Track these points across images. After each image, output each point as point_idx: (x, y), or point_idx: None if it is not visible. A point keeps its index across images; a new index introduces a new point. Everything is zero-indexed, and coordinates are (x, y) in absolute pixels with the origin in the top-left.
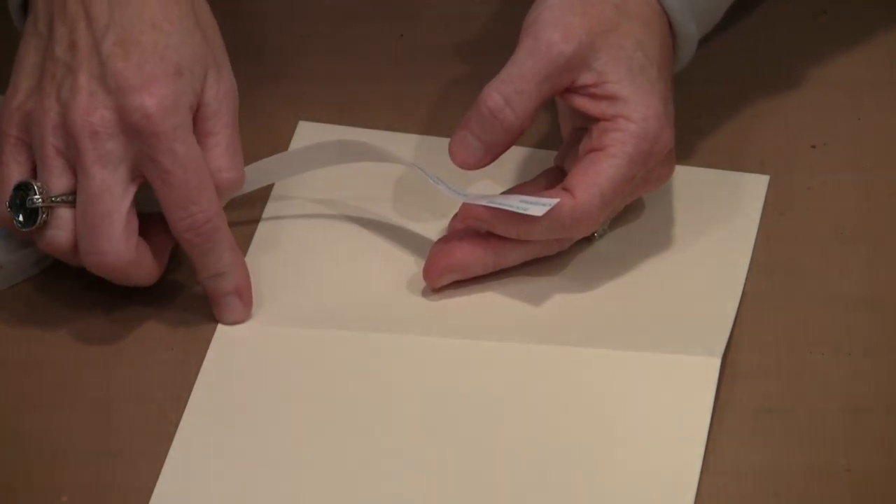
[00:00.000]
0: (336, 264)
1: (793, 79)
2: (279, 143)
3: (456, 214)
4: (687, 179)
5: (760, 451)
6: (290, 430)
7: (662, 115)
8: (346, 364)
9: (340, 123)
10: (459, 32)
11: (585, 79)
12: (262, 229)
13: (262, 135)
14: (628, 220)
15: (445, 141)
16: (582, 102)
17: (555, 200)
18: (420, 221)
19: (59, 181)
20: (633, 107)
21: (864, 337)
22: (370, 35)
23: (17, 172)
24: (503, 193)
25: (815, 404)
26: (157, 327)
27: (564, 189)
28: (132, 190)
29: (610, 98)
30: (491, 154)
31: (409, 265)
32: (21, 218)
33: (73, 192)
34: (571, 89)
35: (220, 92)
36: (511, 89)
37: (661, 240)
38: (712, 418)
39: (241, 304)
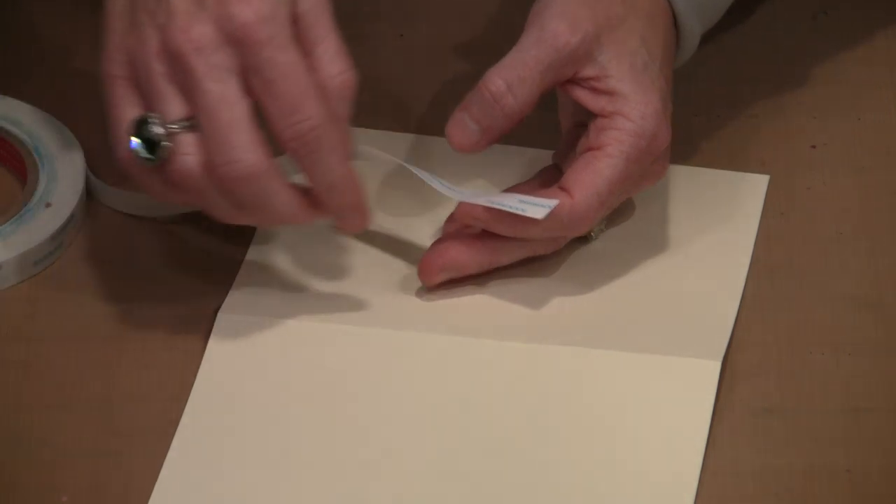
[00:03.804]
0: (336, 261)
1: (793, 79)
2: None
3: (452, 214)
4: (687, 179)
5: (760, 451)
6: (289, 428)
7: (661, 114)
8: (346, 360)
9: None
10: (459, 32)
11: (588, 71)
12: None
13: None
14: (629, 221)
15: (442, 142)
16: (582, 95)
17: (554, 202)
18: (418, 219)
19: (173, 107)
20: (632, 105)
21: (864, 337)
22: (370, 35)
23: (130, 111)
24: (501, 193)
25: (815, 404)
26: (157, 327)
27: (561, 188)
28: (247, 102)
29: (610, 93)
30: (488, 138)
31: (410, 262)
32: (146, 154)
33: (191, 117)
34: (573, 80)
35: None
36: (514, 75)
37: (661, 240)
38: (712, 419)
39: (360, 215)
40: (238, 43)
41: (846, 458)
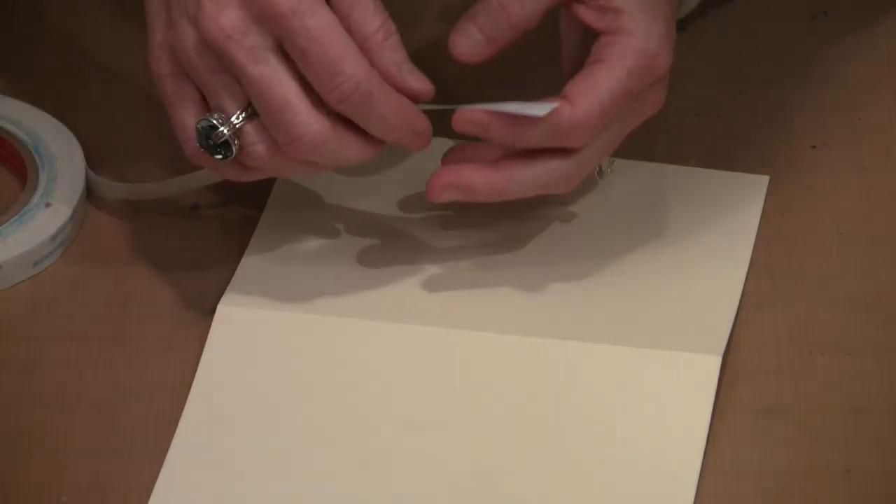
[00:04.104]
0: (337, 254)
1: (793, 79)
2: None
3: (450, 150)
4: (687, 180)
5: (760, 451)
6: (290, 422)
7: (664, 35)
8: (346, 353)
9: None
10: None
11: None
12: (266, 218)
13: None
14: (629, 220)
15: (445, 142)
16: (587, 14)
17: (554, 104)
18: (420, 212)
19: (229, 98)
20: (637, 22)
21: (864, 337)
22: None
23: (191, 109)
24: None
25: (815, 404)
26: (157, 327)
27: (563, 97)
28: (294, 73)
29: (616, 11)
30: (492, 47)
31: (411, 255)
32: (219, 155)
33: (248, 104)
34: None
35: None
36: None
37: (661, 239)
38: (712, 418)
39: (420, 139)
40: (266, 19)
41: (846, 458)
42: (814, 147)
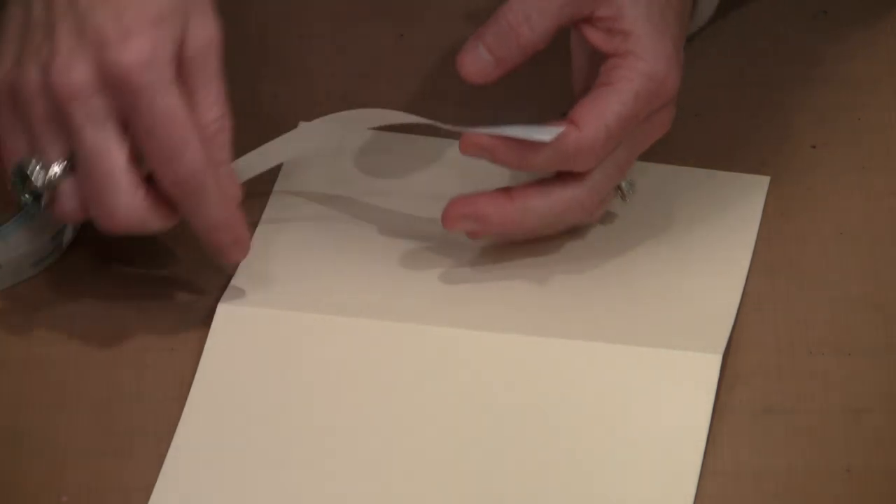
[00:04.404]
0: (337, 253)
1: (793, 79)
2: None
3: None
4: (688, 181)
5: (760, 451)
6: (290, 422)
7: (673, 58)
8: (346, 352)
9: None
10: (459, 32)
11: (604, 11)
12: (266, 217)
13: (263, 135)
14: (630, 221)
15: (446, 142)
16: (596, 36)
17: (561, 128)
18: (422, 213)
19: (54, 148)
20: (645, 45)
21: (864, 337)
22: (370, 35)
23: (15, 149)
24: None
25: (815, 404)
26: (157, 327)
27: (570, 121)
28: (127, 143)
29: (624, 34)
30: (500, 69)
31: (411, 255)
32: (28, 198)
33: (71, 156)
34: (588, 20)
35: (204, 40)
36: (533, 6)
37: (662, 240)
38: (712, 418)
39: (238, 249)
40: (117, 86)
41: (846, 458)
42: (814, 147)
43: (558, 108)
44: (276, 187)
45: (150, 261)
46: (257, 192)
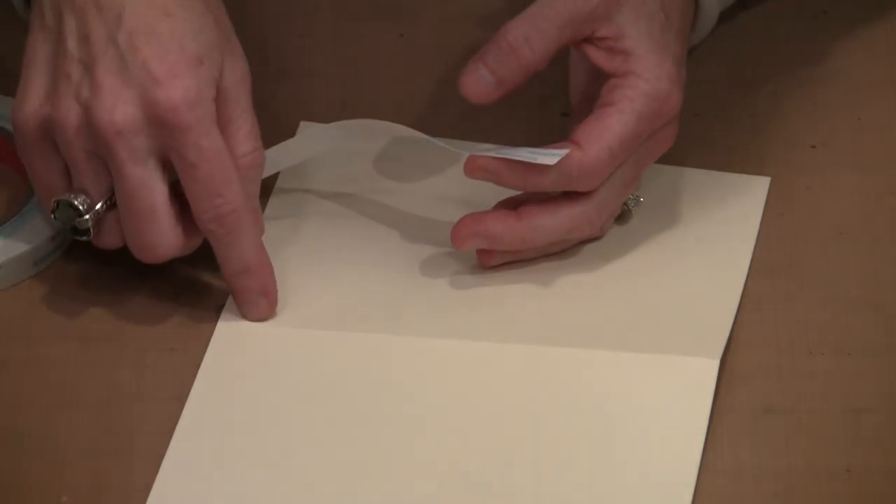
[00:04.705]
0: (337, 265)
1: (793, 79)
2: (280, 143)
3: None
4: (688, 182)
5: (760, 451)
6: (287, 431)
7: (674, 77)
8: (345, 364)
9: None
10: (459, 32)
11: (604, 31)
12: (266, 226)
13: (263, 135)
14: (629, 221)
15: (448, 142)
16: (597, 55)
17: (565, 151)
18: (421, 225)
19: (96, 185)
20: (646, 65)
21: (864, 337)
22: (370, 35)
23: (57, 182)
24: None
25: (815, 404)
26: (157, 327)
27: (573, 142)
28: (166, 178)
29: (625, 53)
30: (501, 89)
31: (411, 267)
32: (70, 230)
33: (111, 192)
34: (589, 40)
35: (237, 76)
36: (533, 28)
37: (661, 241)
38: (712, 419)
39: (267, 302)
40: (163, 126)
41: (846, 458)
42: (814, 147)
43: (557, 108)
44: (273, 195)
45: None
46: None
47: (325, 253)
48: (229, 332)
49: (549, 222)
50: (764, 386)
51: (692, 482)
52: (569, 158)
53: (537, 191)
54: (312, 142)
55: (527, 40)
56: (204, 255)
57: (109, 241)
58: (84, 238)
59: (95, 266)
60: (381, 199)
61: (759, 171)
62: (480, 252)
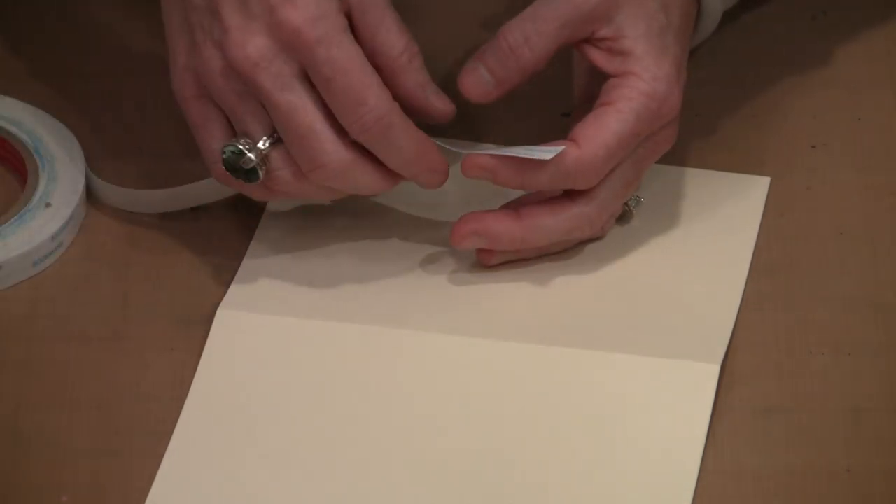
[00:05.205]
0: (337, 259)
1: (793, 79)
2: None
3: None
4: (687, 182)
5: (760, 451)
6: (288, 426)
7: (673, 78)
8: (345, 358)
9: None
10: (460, 32)
11: (604, 32)
12: (265, 222)
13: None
14: (629, 221)
15: (448, 141)
16: (596, 56)
17: (561, 147)
18: (421, 219)
19: (255, 123)
20: (645, 65)
21: (864, 337)
22: None
23: (217, 133)
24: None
25: (815, 404)
26: (157, 327)
27: (570, 140)
28: (320, 99)
29: (624, 54)
30: (500, 89)
31: (411, 261)
32: (245, 178)
33: (273, 129)
34: (589, 41)
35: None
36: (532, 28)
37: (661, 242)
38: (712, 419)
39: (436, 175)
40: (292, 48)
41: (846, 458)
42: (814, 147)
43: (558, 108)
44: None
45: (151, 261)
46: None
47: (325, 249)
48: (226, 328)
49: (550, 222)
50: (764, 386)
51: (692, 486)
52: (565, 155)
53: (535, 188)
54: None
55: (526, 41)
56: (204, 257)
57: (283, 178)
58: (256, 181)
59: (95, 266)
60: (381, 198)
61: (759, 171)
62: (480, 251)
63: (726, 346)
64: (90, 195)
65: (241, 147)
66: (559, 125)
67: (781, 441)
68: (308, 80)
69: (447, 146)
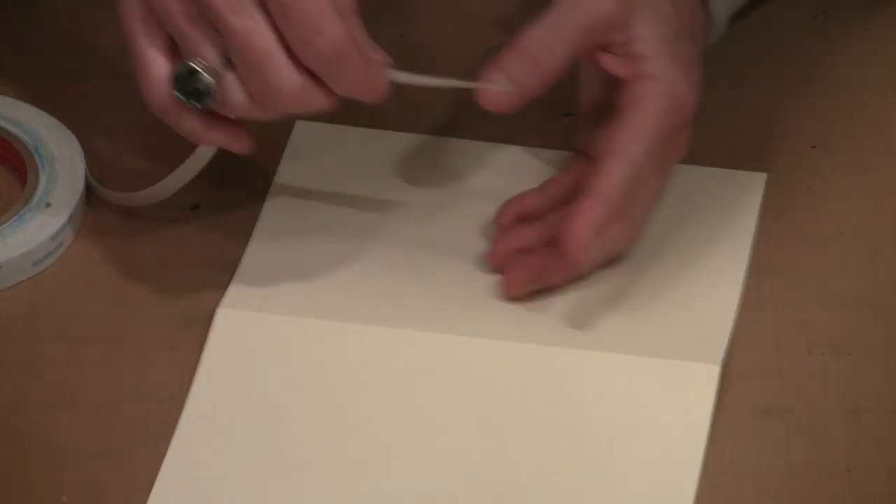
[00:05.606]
0: (337, 258)
1: (793, 79)
2: (276, 143)
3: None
4: (682, 178)
5: (760, 451)
6: (289, 426)
7: (686, 78)
8: (345, 358)
9: (338, 123)
10: (459, 32)
11: (619, 37)
12: (264, 220)
13: (258, 136)
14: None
15: (446, 141)
16: (611, 62)
17: (490, 85)
18: (424, 219)
19: (209, 46)
20: (661, 67)
21: (864, 337)
22: (370, 35)
23: (163, 57)
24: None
25: (815, 404)
26: (157, 327)
27: (605, 148)
28: (274, 28)
29: (640, 57)
30: (523, 99)
31: (413, 258)
32: (195, 102)
33: (227, 55)
34: (603, 47)
35: None
36: (551, 36)
37: (659, 240)
38: (712, 420)
39: (380, 96)
40: None
41: (846, 458)
42: (814, 147)
43: (558, 108)
44: (273, 187)
45: (150, 261)
46: (256, 192)
47: (325, 248)
48: (227, 328)
49: (595, 247)
50: (764, 386)
51: (693, 487)
52: (611, 172)
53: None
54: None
55: (549, 48)
56: (204, 256)
57: (236, 100)
58: (209, 103)
59: (95, 266)
60: (381, 196)
61: (758, 171)
62: (510, 284)
63: (727, 345)
64: (90, 195)
65: (195, 66)
66: (560, 125)
67: (781, 441)
68: (264, 6)
69: (395, 76)
